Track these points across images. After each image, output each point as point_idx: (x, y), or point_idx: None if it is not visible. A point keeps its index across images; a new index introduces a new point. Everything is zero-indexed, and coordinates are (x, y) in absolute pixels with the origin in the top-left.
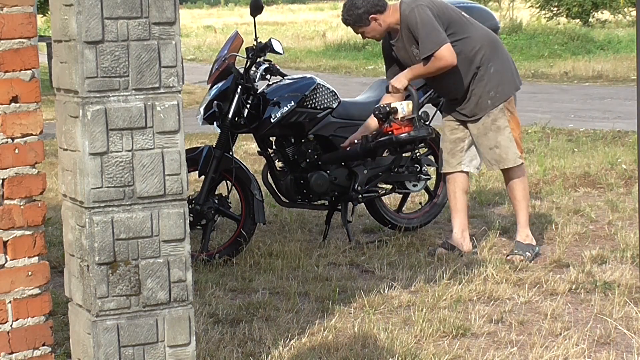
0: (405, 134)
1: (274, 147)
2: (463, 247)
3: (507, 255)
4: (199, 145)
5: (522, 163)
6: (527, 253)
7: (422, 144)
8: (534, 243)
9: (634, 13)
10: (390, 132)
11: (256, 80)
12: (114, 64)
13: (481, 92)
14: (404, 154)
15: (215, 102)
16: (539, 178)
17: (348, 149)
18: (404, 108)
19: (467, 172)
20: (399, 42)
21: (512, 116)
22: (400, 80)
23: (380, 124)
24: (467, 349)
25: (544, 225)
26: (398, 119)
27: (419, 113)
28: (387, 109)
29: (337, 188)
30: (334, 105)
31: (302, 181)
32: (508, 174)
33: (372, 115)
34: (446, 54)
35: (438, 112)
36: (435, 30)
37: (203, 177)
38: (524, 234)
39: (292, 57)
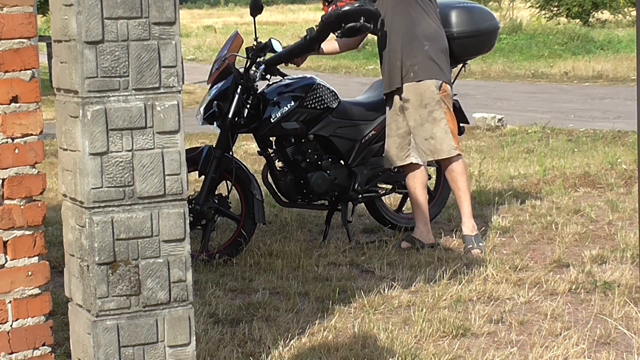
0: (347, 4)
1: (274, 147)
2: (425, 240)
3: (465, 252)
4: (199, 145)
5: (459, 154)
6: (480, 244)
7: (370, 23)
8: (478, 232)
9: (634, 13)
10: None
11: (256, 80)
12: (114, 64)
13: (406, 61)
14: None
15: (215, 102)
16: (539, 178)
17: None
18: None
19: (422, 166)
20: None
21: (448, 110)
22: None
23: (326, 8)
24: (467, 349)
25: (544, 225)
26: None
27: None
28: None
29: (337, 188)
30: (334, 105)
31: (302, 181)
32: (446, 164)
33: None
34: None
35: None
36: None
37: (203, 177)
38: (470, 225)
39: None
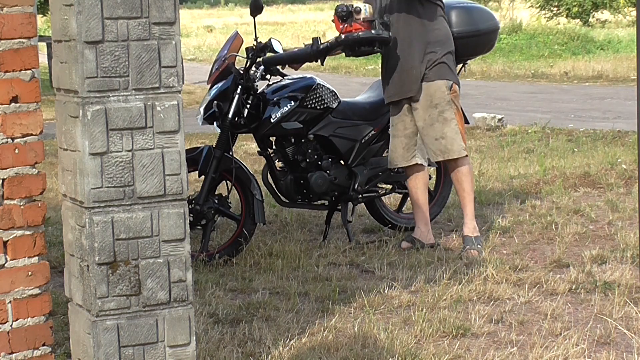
0: (365, 31)
1: (274, 147)
2: (425, 240)
3: (462, 251)
4: (199, 145)
5: (467, 155)
6: (479, 246)
7: (380, 48)
8: (479, 234)
9: (634, 13)
10: (349, 32)
11: (256, 80)
12: (114, 64)
13: (422, 67)
14: (359, 55)
15: (215, 102)
16: (539, 178)
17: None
18: (366, 9)
19: (425, 167)
20: None
21: (458, 110)
22: None
23: (338, 24)
24: (467, 349)
25: (544, 225)
26: (360, 19)
27: (382, 19)
28: (350, 8)
29: (337, 188)
30: (334, 105)
31: (302, 181)
32: (453, 165)
33: (334, 14)
34: None
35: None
36: None
37: (203, 177)
38: (471, 227)
39: None
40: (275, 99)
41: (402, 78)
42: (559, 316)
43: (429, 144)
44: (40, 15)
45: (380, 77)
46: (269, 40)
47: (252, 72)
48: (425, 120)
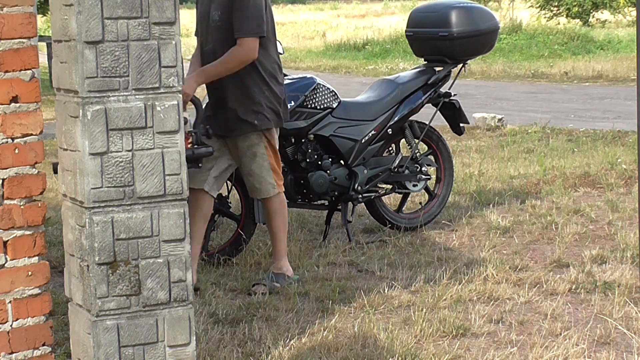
0: (187, 149)
1: None
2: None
3: (253, 286)
4: None
5: (280, 193)
6: (277, 284)
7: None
8: (289, 274)
9: (634, 13)
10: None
11: None
12: (114, 64)
13: (247, 108)
14: None
15: None
16: (539, 178)
17: None
18: (189, 120)
19: (212, 200)
20: None
21: (270, 144)
22: (190, 85)
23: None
24: (467, 349)
25: (544, 225)
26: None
27: (202, 128)
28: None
29: (337, 188)
30: (334, 105)
31: (302, 181)
32: (265, 203)
33: None
34: (254, 46)
35: (437, 111)
36: (260, 17)
37: None
38: (278, 266)
39: (292, 57)
40: None
41: (226, 116)
42: (559, 316)
43: (243, 177)
44: (40, 15)
45: (380, 77)
46: None
47: None
48: (233, 151)
